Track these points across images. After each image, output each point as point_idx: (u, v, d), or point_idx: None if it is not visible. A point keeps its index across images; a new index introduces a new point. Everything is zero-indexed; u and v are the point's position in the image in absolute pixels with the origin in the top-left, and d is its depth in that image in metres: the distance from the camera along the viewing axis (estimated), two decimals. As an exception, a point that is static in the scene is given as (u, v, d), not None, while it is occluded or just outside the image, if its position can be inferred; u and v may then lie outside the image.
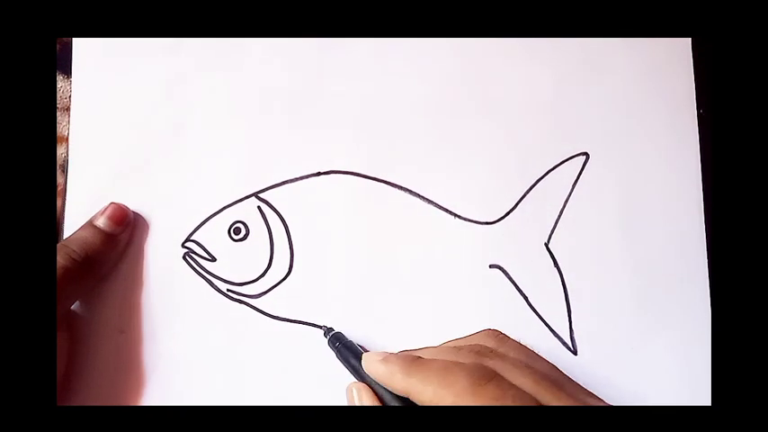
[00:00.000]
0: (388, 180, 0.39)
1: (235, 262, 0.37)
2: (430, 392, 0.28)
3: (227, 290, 0.37)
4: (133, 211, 0.37)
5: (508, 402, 0.27)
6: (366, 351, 0.34)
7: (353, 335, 0.36)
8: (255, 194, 0.38)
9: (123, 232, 0.36)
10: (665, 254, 0.39)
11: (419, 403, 0.29)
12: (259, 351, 0.37)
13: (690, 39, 0.41)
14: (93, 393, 0.36)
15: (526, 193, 0.39)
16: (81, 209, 0.37)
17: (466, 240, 0.38)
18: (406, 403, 0.30)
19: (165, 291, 0.37)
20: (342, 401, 0.36)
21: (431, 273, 0.38)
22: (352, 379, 0.33)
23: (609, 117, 0.40)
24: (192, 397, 0.36)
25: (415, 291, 0.38)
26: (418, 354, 0.32)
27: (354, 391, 0.32)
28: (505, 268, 0.38)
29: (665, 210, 0.39)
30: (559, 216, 0.39)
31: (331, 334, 0.36)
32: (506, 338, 0.33)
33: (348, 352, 0.34)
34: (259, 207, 0.38)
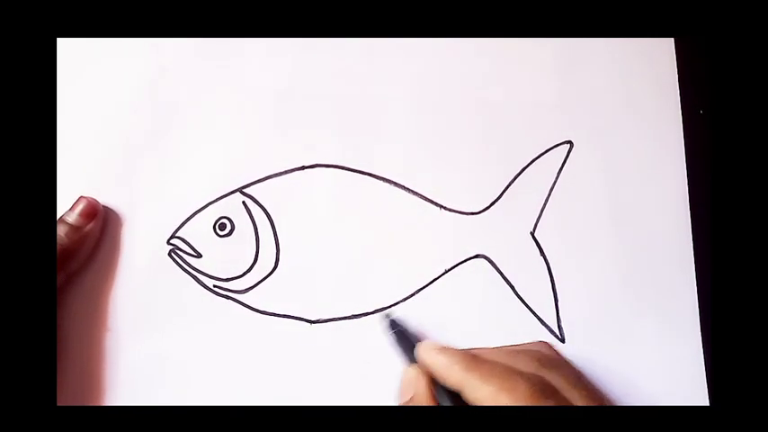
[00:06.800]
0: (372, 173, 0.39)
1: (221, 258, 0.37)
2: (486, 392, 0.28)
3: (214, 286, 0.37)
4: (118, 210, 0.37)
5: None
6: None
7: (340, 327, 0.36)
8: (240, 190, 0.38)
9: (94, 226, 0.36)
10: (651, 240, 0.39)
11: (470, 401, 0.29)
12: (246, 346, 0.37)
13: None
14: (81, 391, 0.36)
15: (511, 182, 0.39)
16: (66, 207, 0.36)
17: (452, 231, 0.38)
18: (454, 400, 0.30)
19: (151, 288, 0.37)
20: (329, 396, 0.36)
21: (417, 264, 0.38)
22: (342, 374, 0.33)
23: (592, 105, 0.40)
24: (181, 394, 0.36)
25: (402, 283, 0.38)
26: (474, 353, 0.31)
27: (413, 374, 0.32)
28: (492, 258, 0.38)
29: (651, 196, 0.39)
30: (545, 205, 0.39)
31: (390, 318, 0.36)
32: (559, 354, 0.35)
33: (406, 339, 0.34)
34: (244, 202, 0.38)
